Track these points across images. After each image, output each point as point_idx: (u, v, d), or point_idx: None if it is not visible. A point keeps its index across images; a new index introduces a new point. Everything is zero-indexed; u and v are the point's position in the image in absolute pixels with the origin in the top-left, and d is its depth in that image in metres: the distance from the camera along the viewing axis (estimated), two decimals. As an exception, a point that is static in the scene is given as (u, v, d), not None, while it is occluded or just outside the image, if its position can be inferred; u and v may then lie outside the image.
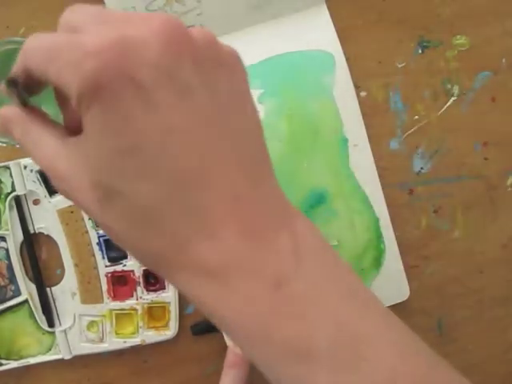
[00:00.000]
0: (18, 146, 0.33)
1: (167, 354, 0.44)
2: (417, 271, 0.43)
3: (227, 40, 0.40)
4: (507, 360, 0.45)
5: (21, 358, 0.43)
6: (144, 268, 0.43)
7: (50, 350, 0.43)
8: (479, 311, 0.45)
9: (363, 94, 0.42)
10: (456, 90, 0.42)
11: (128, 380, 0.43)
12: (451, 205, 0.43)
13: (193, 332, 0.43)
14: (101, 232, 0.42)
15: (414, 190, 0.43)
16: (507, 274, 0.44)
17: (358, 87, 0.42)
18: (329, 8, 0.40)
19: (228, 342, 0.43)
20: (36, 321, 0.43)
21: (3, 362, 0.43)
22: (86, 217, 0.42)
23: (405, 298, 0.43)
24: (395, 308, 0.43)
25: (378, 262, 0.42)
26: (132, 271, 0.43)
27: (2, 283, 0.43)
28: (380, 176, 0.42)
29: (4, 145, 0.34)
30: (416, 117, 0.42)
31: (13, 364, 0.43)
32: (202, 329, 0.43)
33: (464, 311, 0.45)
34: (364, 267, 0.43)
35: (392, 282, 0.43)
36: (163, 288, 0.43)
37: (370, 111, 0.42)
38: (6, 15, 0.41)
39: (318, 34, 0.41)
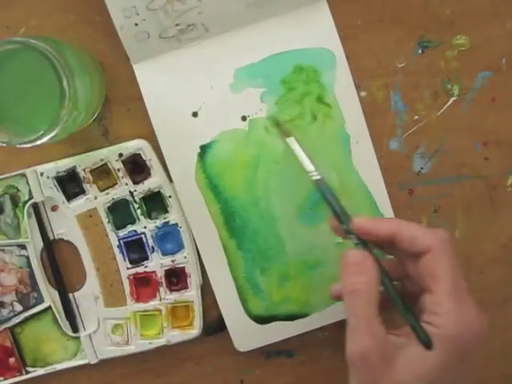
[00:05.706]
0: (17, 146, 0.33)
1: (167, 354, 0.44)
2: (417, 271, 0.43)
3: (228, 38, 0.41)
4: (507, 360, 0.45)
5: (47, 364, 0.43)
6: (166, 268, 0.42)
7: (76, 355, 0.43)
8: (479, 311, 0.45)
9: (363, 93, 0.42)
10: (456, 90, 0.42)
11: (128, 380, 0.43)
12: (451, 205, 0.43)
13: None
14: (121, 234, 0.42)
15: (414, 190, 0.43)
16: (507, 274, 0.44)
17: (357, 87, 0.42)
18: (329, 8, 0.40)
19: None
20: (60, 327, 0.43)
21: (30, 369, 0.43)
22: (105, 220, 0.42)
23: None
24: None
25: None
26: (154, 272, 0.42)
27: (25, 291, 0.42)
28: (380, 176, 0.42)
29: (4, 145, 0.33)
30: (416, 117, 0.43)
31: (40, 371, 0.43)
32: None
33: (464, 311, 0.44)
34: None
35: None
36: (186, 287, 0.42)
37: (370, 111, 0.42)
38: (6, 15, 0.41)
39: (319, 30, 0.40)
